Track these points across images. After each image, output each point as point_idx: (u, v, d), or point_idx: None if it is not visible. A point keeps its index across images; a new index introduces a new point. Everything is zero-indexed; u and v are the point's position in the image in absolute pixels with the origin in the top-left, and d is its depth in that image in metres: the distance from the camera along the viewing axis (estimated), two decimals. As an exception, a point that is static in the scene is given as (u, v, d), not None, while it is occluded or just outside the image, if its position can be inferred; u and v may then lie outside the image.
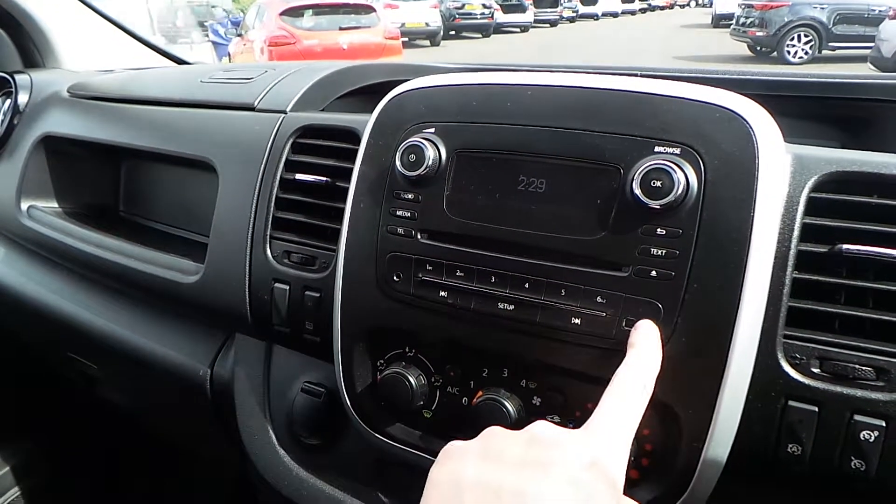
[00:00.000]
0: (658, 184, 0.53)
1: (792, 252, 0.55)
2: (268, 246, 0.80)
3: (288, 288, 0.78)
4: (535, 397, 0.62)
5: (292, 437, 0.83)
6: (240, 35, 10.13)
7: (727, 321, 0.53)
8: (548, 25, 22.71)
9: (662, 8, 33.89)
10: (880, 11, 9.56)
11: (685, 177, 0.53)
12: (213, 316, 0.91)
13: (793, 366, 0.54)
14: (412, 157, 0.63)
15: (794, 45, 11.00)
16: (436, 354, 0.66)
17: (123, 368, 1.09)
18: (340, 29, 8.76)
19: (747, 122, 0.54)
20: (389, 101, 0.69)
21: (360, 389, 0.70)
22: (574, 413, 0.60)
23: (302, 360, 0.83)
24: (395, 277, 0.65)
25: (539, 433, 0.42)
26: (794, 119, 0.93)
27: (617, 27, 22.96)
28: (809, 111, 0.91)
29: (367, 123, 0.70)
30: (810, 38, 10.92)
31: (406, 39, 14.53)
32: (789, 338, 0.55)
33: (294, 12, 8.82)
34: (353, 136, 0.77)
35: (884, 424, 0.51)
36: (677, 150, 0.55)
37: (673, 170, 0.53)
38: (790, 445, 0.54)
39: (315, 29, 8.80)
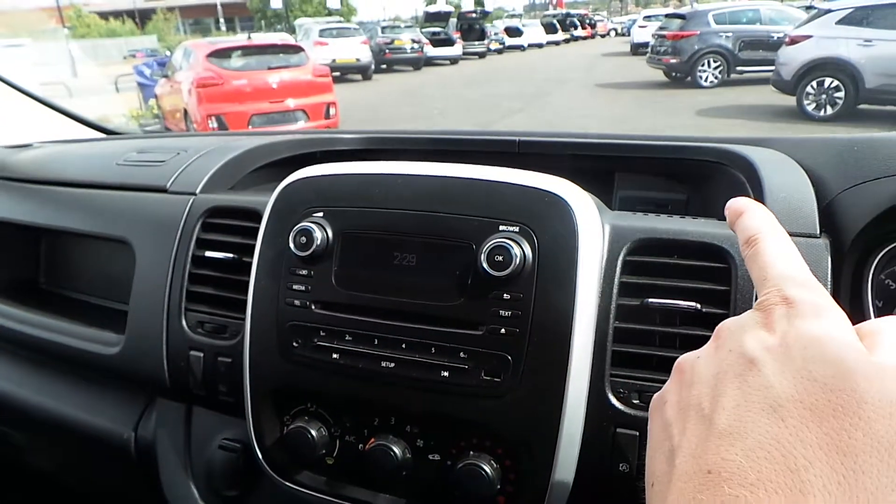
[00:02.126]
0: (500, 258, 0.65)
1: (613, 306, 0.68)
2: (183, 318, 0.89)
3: (202, 355, 0.86)
4: (418, 440, 0.72)
5: (212, 490, 0.90)
6: (166, 76, 10.02)
7: (562, 365, 0.65)
8: (476, 57, 23.41)
9: (584, 38, 35.43)
10: (779, 38, 10.31)
11: (522, 251, 0.66)
12: (135, 383, 0.97)
13: (619, 399, 0.67)
14: (303, 240, 0.73)
15: (705, 71, 11.74)
16: (334, 408, 0.76)
17: (50, 437, 1.13)
18: (269, 69, 8.80)
19: (569, 204, 0.67)
20: (284, 188, 0.79)
21: (270, 443, 0.78)
22: (450, 451, 0.71)
23: (219, 419, 0.91)
24: (294, 343, 0.75)
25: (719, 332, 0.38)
26: (651, 176, 1.09)
27: (542, 57, 23.86)
28: (659, 169, 1.06)
29: (266, 204, 0.80)
30: (719, 63, 11.68)
31: (338, 74, 14.71)
32: (615, 376, 0.67)
33: (222, 53, 8.81)
34: (255, 215, 0.86)
35: None
36: (516, 229, 0.67)
37: (511, 246, 0.65)
38: (621, 464, 0.66)
39: (244, 69, 8.81)
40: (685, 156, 0.98)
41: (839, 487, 0.27)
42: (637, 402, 0.66)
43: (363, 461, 0.73)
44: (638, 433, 0.66)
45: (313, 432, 0.74)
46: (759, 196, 0.73)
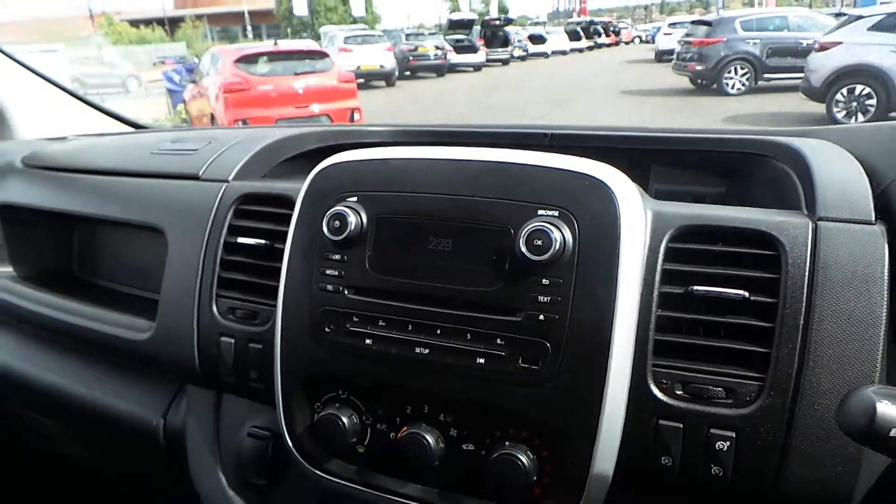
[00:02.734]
0: (539, 242, 0.63)
1: (656, 294, 0.66)
2: (214, 304, 0.88)
3: (233, 341, 0.85)
4: (452, 429, 0.71)
5: (241, 479, 0.89)
6: (194, 82, 10.17)
7: (603, 354, 0.63)
8: (500, 64, 23.43)
9: (609, 45, 35.28)
10: (807, 44, 10.14)
11: (562, 235, 0.64)
12: (165, 370, 0.97)
13: (661, 390, 0.64)
14: (337, 224, 0.72)
15: (731, 78, 11.57)
16: (365, 395, 0.75)
17: (80, 423, 1.14)
18: (295, 74, 8.90)
19: (610, 189, 0.65)
20: (318, 173, 0.79)
21: (301, 431, 0.77)
22: (485, 441, 0.69)
23: (249, 407, 0.90)
24: (326, 329, 0.74)
25: None
26: (688, 169, 1.06)
27: (566, 64, 23.78)
28: (697, 162, 1.04)
29: (299, 191, 0.79)
30: (746, 70, 11.51)
31: (362, 81, 14.83)
32: (658, 366, 0.65)
33: (249, 59, 8.94)
34: (287, 201, 0.86)
35: (734, 435, 0.62)
36: (556, 213, 0.65)
37: (551, 230, 0.63)
38: (663, 457, 0.64)
39: (270, 75, 8.93)
40: (727, 148, 0.96)
41: None
42: (680, 392, 0.64)
43: (395, 450, 0.72)
44: (682, 425, 0.63)
45: (344, 420, 0.73)
46: (810, 186, 0.70)
